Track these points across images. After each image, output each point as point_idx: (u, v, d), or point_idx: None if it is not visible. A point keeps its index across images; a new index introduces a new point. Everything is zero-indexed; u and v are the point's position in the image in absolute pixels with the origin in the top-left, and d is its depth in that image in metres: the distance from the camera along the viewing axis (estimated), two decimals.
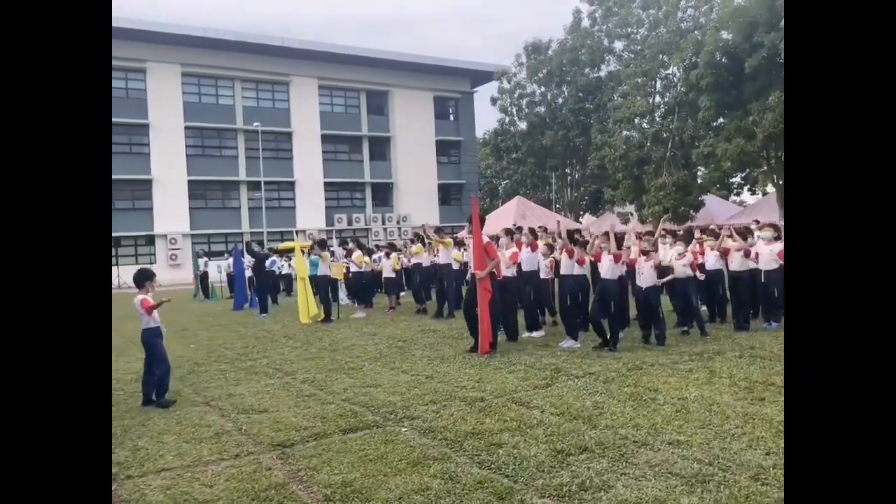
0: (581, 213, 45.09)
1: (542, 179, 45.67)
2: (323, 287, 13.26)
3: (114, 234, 37.56)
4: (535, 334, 9.89)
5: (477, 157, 50.95)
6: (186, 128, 39.57)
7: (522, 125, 41.69)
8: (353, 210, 44.26)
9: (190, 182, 39.46)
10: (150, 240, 38.29)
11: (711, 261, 10.15)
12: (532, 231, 10.29)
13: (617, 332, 8.56)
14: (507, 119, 42.23)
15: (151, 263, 37.44)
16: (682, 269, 9.45)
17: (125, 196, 38.28)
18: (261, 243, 17.22)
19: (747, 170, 33.52)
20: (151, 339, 6.82)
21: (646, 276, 8.82)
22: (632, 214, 32.81)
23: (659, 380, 6.66)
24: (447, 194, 48.57)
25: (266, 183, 40.21)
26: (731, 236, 10.11)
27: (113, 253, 37.85)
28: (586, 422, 5.37)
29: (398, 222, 44.47)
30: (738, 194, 45.56)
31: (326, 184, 43.29)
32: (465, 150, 49.24)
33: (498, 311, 8.74)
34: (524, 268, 10.13)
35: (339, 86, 44.40)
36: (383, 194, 46.27)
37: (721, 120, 28.24)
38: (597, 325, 8.54)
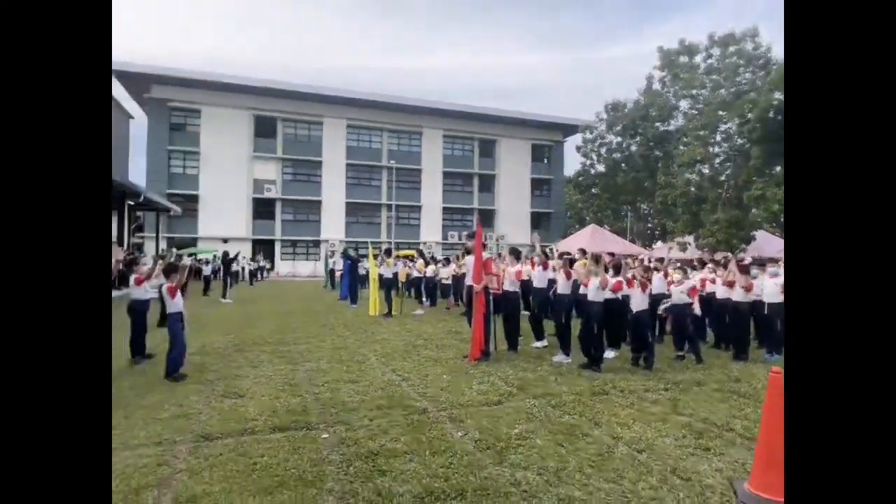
0: (654, 241, 41.17)
1: (615, 212, 42.26)
2: (385, 286, 12.20)
3: (292, 238, 39.37)
4: (538, 344, 8.17)
5: (563, 193, 48.18)
6: (347, 165, 40.68)
7: (601, 167, 38.74)
8: (462, 228, 43.28)
9: (347, 203, 40.51)
10: (317, 243, 39.63)
11: (721, 290, 7.90)
12: (543, 251, 8.56)
13: (601, 352, 6.68)
14: (588, 163, 39.42)
15: (315, 260, 38.87)
16: (678, 296, 7.35)
17: (303, 211, 39.99)
18: (356, 249, 16.51)
19: None
20: (173, 322, 6.05)
21: (636, 301, 6.87)
22: (689, 244, 29.13)
23: (609, 411, 4.84)
24: (538, 220, 46.30)
25: (399, 206, 40.44)
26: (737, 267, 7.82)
27: (291, 251, 39.69)
28: (498, 454, 3.79)
29: (497, 240, 42.89)
30: None
31: (444, 208, 42.77)
32: (555, 187, 46.74)
33: (490, 322, 7.19)
34: (535, 284, 8.47)
35: (458, 135, 43.80)
36: (487, 218, 44.92)
37: (777, 168, 24.45)
38: (584, 343, 6.73)
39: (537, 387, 5.68)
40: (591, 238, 27.38)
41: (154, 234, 31.34)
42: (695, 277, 8.13)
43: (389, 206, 40.68)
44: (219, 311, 13.75)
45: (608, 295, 6.74)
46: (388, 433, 4.22)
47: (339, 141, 40.30)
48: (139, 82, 35.24)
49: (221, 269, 18.15)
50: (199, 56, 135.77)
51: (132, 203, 24.33)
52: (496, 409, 4.90)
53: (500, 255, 10.23)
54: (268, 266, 36.12)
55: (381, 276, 12.38)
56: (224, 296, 16.85)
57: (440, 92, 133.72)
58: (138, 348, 6.88)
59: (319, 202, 39.79)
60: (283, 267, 38.32)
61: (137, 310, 6.82)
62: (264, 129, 38.87)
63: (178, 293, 6.13)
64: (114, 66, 33.49)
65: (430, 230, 42.00)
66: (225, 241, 36.44)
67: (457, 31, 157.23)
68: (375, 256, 12.79)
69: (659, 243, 39.97)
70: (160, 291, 6.20)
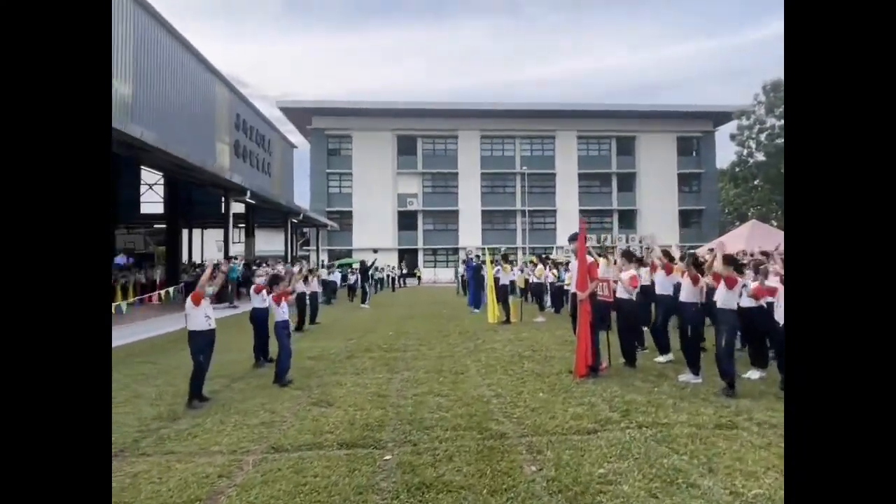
0: None
1: (780, 205, 36.07)
2: (502, 293, 11.60)
3: (433, 247, 40.62)
4: (663, 359, 6.92)
5: (716, 187, 42.60)
6: (482, 174, 41.00)
7: (760, 156, 33.41)
8: (601, 231, 40.71)
9: (482, 211, 40.79)
10: (455, 251, 40.45)
11: None
12: (666, 253, 7.25)
13: (732, 371, 5.31)
14: (745, 152, 34.28)
15: (454, 267, 39.68)
16: None
17: (441, 221, 41.22)
18: (478, 256, 16.17)
19: None
20: (279, 330, 6.24)
21: (783, 310, 5.35)
22: None
23: (733, 453, 3.68)
24: (687, 219, 41.65)
25: (533, 211, 39.46)
26: None
27: (433, 258, 41.04)
28: (570, 501, 3.04)
29: (640, 241, 39.49)
30: None
31: (581, 211, 40.63)
32: (706, 181, 41.59)
33: (597, 333, 6.20)
34: (658, 290, 7.22)
35: (593, 135, 41.46)
36: (629, 219, 41.66)
37: None
38: (721, 362, 5.41)
39: (646, 413, 4.65)
40: (751, 235, 23.36)
41: (315, 248, 34.77)
42: None
43: (524, 212, 39.95)
44: (355, 315, 14.45)
45: (747, 302, 5.37)
46: (453, 460, 3.68)
47: (473, 152, 40.82)
48: (301, 115, 39.66)
49: (360, 278, 19.21)
50: (349, 87, 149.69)
51: (295, 221, 27.21)
52: (587, 439, 4.06)
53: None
54: (419, 273, 37.73)
55: (497, 281, 11.84)
56: (363, 302, 17.78)
57: (577, 96, 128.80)
58: (260, 353, 7.29)
59: (457, 211, 40.63)
60: (425, 274, 39.78)
61: (257, 317, 7.24)
62: (406, 147, 41.00)
63: (283, 301, 6.31)
64: (280, 104, 38.15)
65: (567, 234, 40.18)
66: (375, 251, 39.03)
67: (589, 33, 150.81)
68: (493, 263, 12.29)
69: None
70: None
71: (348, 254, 38.12)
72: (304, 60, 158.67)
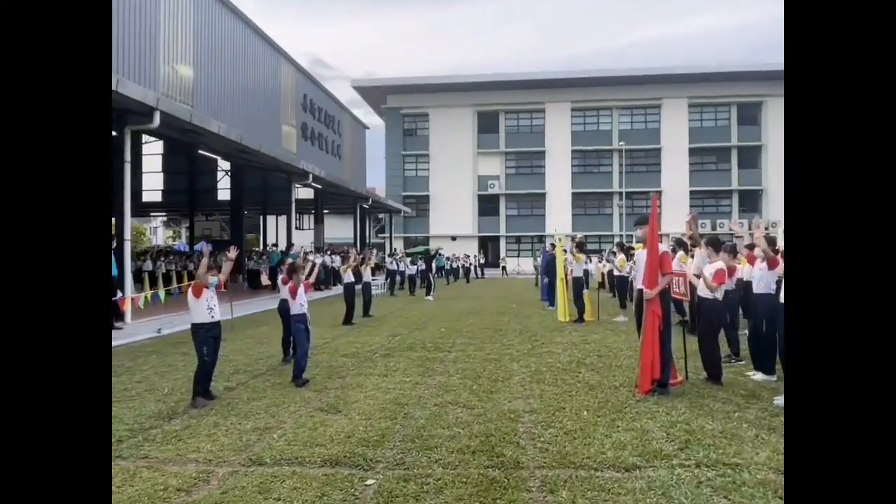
0: None
1: None
2: (575, 287, 10.78)
3: (516, 234, 39.77)
4: (759, 377, 5.90)
5: None
6: (572, 151, 39.36)
7: None
8: (717, 216, 37.43)
9: (573, 194, 39.24)
10: (541, 238, 39.35)
11: None
12: (772, 241, 6.14)
13: None
14: None
15: (537, 256, 38.57)
16: None
17: (526, 205, 40.25)
18: (553, 245, 15.30)
19: None
20: (295, 323, 6.14)
21: None
22: None
23: None
24: None
25: (633, 193, 37.14)
26: None
27: (516, 247, 40.26)
28: None
29: (767, 227, 35.73)
30: None
31: (692, 192, 37.67)
32: None
33: (669, 340, 5.36)
34: (755, 289, 6.19)
35: (708, 102, 38.03)
36: (751, 200, 37.86)
37: None
38: None
39: (712, 447, 3.86)
40: None
41: (389, 234, 35.45)
42: None
43: (621, 195, 37.76)
44: (413, 309, 14.36)
45: None
46: (442, 493, 3.25)
47: (562, 127, 39.28)
48: (377, 95, 40.46)
49: (426, 268, 19.13)
50: (435, 65, 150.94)
51: (365, 206, 27.85)
52: (621, 478, 3.41)
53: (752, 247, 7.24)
54: (503, 263, 37.05)
55: (569, 274, 11.04)
56: (428, 294, 17.68)
57: (688, 58, 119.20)
58: (289, 347, 7.29)
59: (543, 195, 39.44)
60: (508, 263, 39.16)
61: (284, 309, 7.22)
62: (487, 124, 40.37)
63: (302, 293, 6.19)
64: (355, 84, 39.11)
65: (674, 218, 37.42)
66: (453, 238, 39.11)
67: None
68: (566, 251, 11.46)
69: None
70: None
71: (425, 241, 38.47)
72: (387, 39, 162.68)
